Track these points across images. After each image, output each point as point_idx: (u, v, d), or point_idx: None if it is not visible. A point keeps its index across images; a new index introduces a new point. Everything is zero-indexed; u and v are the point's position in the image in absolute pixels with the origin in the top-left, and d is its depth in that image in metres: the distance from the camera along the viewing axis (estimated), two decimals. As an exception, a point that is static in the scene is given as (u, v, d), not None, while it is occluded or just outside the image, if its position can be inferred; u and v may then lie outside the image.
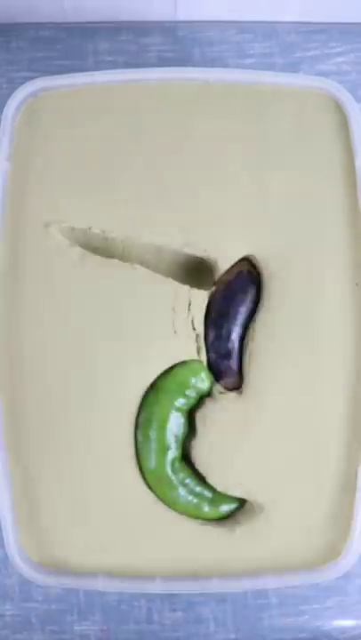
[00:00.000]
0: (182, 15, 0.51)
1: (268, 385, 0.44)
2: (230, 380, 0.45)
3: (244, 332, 0.45)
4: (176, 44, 0.51)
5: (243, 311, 0.45)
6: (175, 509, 0.44)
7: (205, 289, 0.45)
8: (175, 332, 0.44)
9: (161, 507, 0.44)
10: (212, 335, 0.45)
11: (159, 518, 0.44)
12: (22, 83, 0.45)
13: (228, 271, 0.45)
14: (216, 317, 0.45)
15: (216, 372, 0.45)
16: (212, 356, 0.45)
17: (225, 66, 0.50)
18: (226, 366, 0.45)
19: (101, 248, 0.45)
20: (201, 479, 0.44)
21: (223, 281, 0.45)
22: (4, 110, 0.45)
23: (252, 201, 0.45)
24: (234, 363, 0.45)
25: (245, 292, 0.45)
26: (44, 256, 0.45)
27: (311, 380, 0.44)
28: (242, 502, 0.45)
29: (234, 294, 0.45)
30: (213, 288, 0.45)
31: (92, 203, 0.45)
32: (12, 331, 0.44)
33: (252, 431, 0.43)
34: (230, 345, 0.45)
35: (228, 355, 0.45)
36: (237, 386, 0.45)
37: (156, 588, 0.43)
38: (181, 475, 0.44)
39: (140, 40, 0.50)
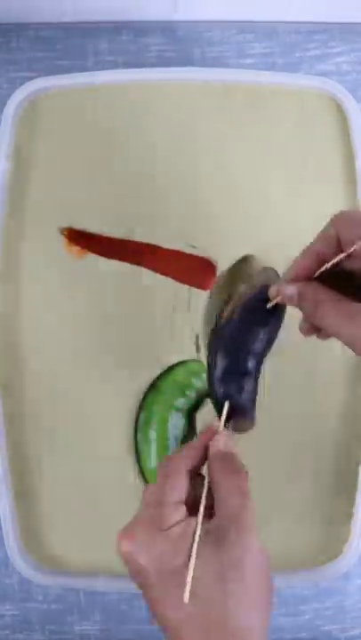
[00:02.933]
0: (182, 15, 0.51)
1: (268, 385, 0.44)
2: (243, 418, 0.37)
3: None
4: (176, 43, 0.51)
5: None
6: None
7: (205, 289, 0.45)
8: (175, 332, 0.44)
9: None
10: (211, 335, 0.45)
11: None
12: (22, 83, 0.45)
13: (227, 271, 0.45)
14: (215, 317, 0.45)
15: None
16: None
17: (225, 66, 0.50)
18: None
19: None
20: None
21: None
22: (4, 110, 0.45)
23: (252, 200, 0.45)
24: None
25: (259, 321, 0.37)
26: (44, 256, 0.45)
27: (311, 380, 0.44)
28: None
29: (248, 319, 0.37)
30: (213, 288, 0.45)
31: (91, 202, 0.45)
32: (13, 330, 0.44)
33: (252, 431, 0.43)
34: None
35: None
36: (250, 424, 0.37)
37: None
38: (181, 475, 0.44)
39: (140, 40, 0.50)
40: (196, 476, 0.31)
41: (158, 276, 0.44)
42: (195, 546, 0.28)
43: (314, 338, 0.38)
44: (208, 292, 0.45)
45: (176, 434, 0.44)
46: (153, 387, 0.44)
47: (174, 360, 0.44)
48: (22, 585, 0.47)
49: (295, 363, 0.44)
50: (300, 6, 0.50)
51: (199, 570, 0.27)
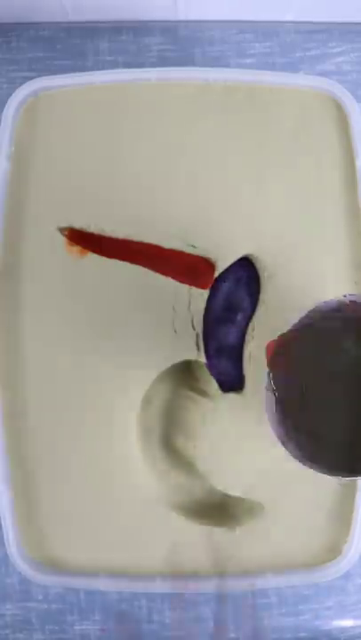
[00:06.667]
0: (183, 15, 0.51)
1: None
2: (230, 381, 0.45)
3: (244, 331, 0.45)
4: (177, 43, 0.51)
5: (242, 311, 0.45)
6: (175, 509, 0.44)
7: (205, 288, 0.45)
8: (175, 332, 0.44)
9: (161, 507, 0.44)
10: (211, 335, 0.45)
11: (159, 518, 0.44)
12: (22, 83, 0.45)
13: (226, 271, 0.45)
14: (215, 317, 0.45)
15: (216, 372, 0.45)
16: (212, 356, 0.45)
17: (226, 65, 0.50)
18: (226, 367, 0.45)
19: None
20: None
21: (222, 280, 0.45)
22: (4, 110, 0.45)
23: (252, 201, 0.45)
24: (234, 363, 0.45)
25: (244, 292, 0.45)
26: (45, 256, 0.45)
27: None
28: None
29: (233, 294, 0.45)
30: (213, 288, 0.45)
31: (92, 202, 0.45)
32: (13, 331, 0.44)
33: (253, 431, 0.43)
34: (230, 345, 0.45)
35: (227, 355, 0.45)
36: (238, 386, 0.45)
37: (156, 587, 0.43)
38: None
39: (141, 40, 0.50)
40: None
41: (158, 275, 0.44)
42: None
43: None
44: (208, 291, 0.45)
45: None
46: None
47: (175, 360, 0.44)
48: (22, 585, 0.47)
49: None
50: (300, 6, 0.50)
51: None
